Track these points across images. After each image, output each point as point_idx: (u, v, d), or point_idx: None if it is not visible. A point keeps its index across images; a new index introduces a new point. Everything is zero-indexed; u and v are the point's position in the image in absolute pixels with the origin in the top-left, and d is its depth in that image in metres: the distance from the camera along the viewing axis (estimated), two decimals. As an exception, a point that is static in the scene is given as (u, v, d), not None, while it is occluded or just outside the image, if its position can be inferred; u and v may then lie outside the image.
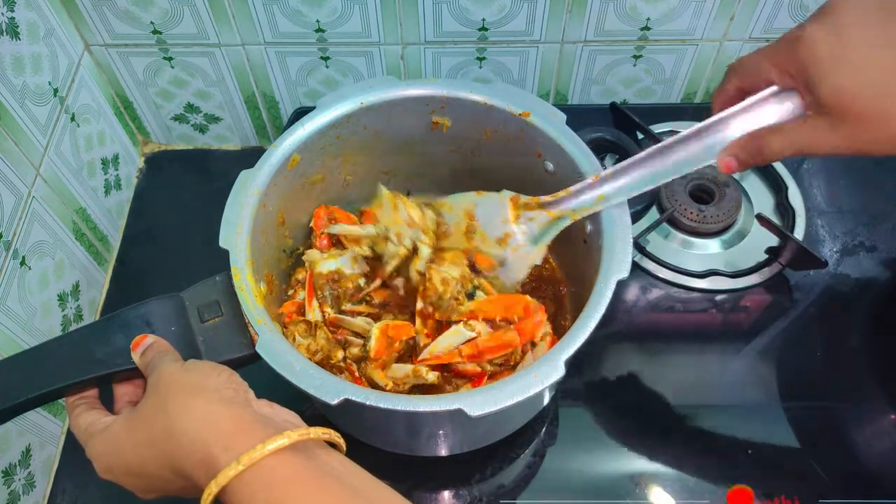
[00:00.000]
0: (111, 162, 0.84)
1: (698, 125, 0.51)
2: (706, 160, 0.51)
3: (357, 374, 0.58)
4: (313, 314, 0.62)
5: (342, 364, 0.58)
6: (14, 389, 0.47)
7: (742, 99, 0.50)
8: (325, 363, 0.58)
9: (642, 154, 0.53)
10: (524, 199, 0.59)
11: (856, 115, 0.44)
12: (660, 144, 0.52)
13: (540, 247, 0.59)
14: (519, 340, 0.57)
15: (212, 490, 0.36)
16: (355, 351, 0.60)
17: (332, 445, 0.41)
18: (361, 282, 0.65)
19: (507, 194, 0.59)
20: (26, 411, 0.49)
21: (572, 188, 0.56)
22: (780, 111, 0.49)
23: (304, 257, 0.66)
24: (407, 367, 0.57)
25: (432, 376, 0.57)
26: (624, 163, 0.54)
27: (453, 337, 0.58)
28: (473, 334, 0.57)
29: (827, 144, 0.46)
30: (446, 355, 0.57)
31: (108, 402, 0.49)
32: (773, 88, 0.48)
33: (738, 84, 0.51)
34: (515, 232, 0.59)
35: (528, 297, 0.60)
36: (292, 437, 0.37)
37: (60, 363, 0.48)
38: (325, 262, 0.64)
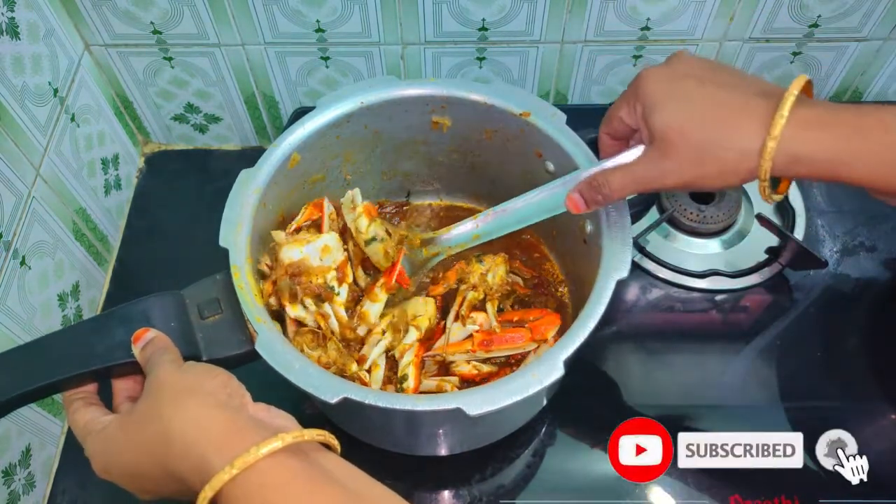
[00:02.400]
0: (111, 162, 0.84)
1: (564, 178, 0.56)
2: (561, 206, 0.55)
3: (371, 386, 0.58)
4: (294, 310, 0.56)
5: (355, 376, 0.58)
6: (13, 382, 0.47)
7: (621, 145, 0.55)
8: (339, 376, 0.57)
9: (515, 200, 0.58)
10: (408, 236, 0.63)
11: (682, 145, 0.46)
12: (529, 193, 0.58)
13: (413, 279, 0.63)
14: (530, 336, 0.58)
15: (206, 494, 0.36)
16: (377, 375, 0.59)
17: (328, 447, 0.41)
18: (330, 276, 0.56)
19: (400, 231, 0.64)
20: (25, 405, 0.49)
21: (452, 227, 0.62)
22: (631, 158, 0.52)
23: (274, 237, 0.58)
24: (430, 383, 0.58)
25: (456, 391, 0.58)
26: (499, 206, 0.59)
27: (458, 333, 0.60)
28: (476, 327, 0.60)
29: (661, 176, 0.48)
30: (459, 344, 0.59)
31: (107, 400, 0.49)
32: (637, 149, 0.52)
33: (606, 131, 0.55)
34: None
35: (547, 309, 0.64)
36: (286, 440, 0.37)
37: (60, 356, 0.48)
38: (288, 249, 0.56)
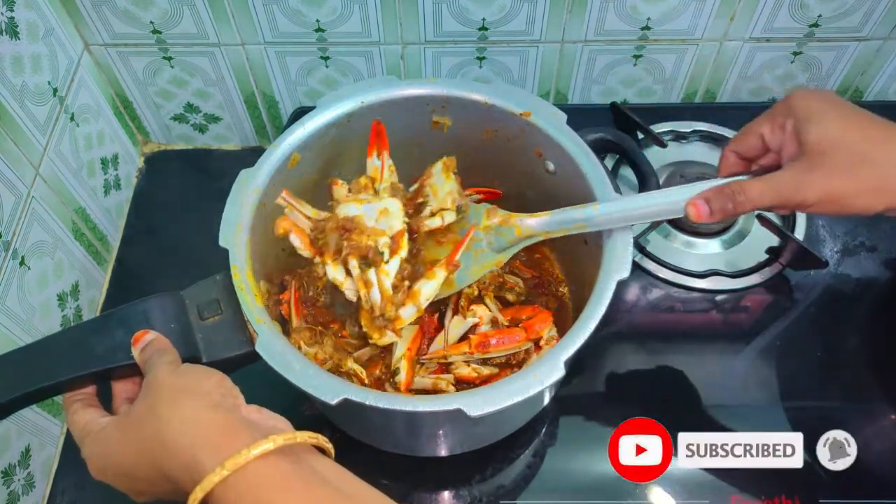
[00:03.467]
0: (111, 162, 0.84)
1: (682, 184, 0.54)
2: (680, 212, 0.53)
3: (367, 383, 0.58)
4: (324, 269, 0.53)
5: (351, 371, 0.58)
6: (13, 384, 0.47)
7: (744, 165, 0.54)
8: (335, 371, 0.57)
9: (626, 198, 0.56)
10: (500, 213, 0.60)
11: (837, 156, 0.47)
12: (642, 194, 0.56)
13: (500, 257, 0.60)
14: (525, 335, 0.58)
15: (197, 495, 0.36)
16: (375, 372, 0.59)
17: (322, 451, 0.41)
18: (382, 241, 0.52)
19: (484, 206, 0.61)
20: (25, 406, 0.48)
21: (553, 212, 0.57)
22: None
23: (333, 192, 0.57)
24: (426, 381, 0.58)
25: (452, 389, 0.57)
26: (608, 201, 0.56)
27: (459, 327, 0.59)
28: (476, 319, 0.59)
29: (806, 187, 0.48)
30: (456, 347, 0.58)
31: (106, 401, 0.49)
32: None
33: (735, 148, 0.55)
34: (481, 238, 0.60)
35: (538, 306, 0.63)
36: (277, 442, 0.37)
37: (60, 358, 0.48)
38: (345, 205, 0.54)
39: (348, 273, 0.53)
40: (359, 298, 0.53)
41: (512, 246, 0.59)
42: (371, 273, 0.52)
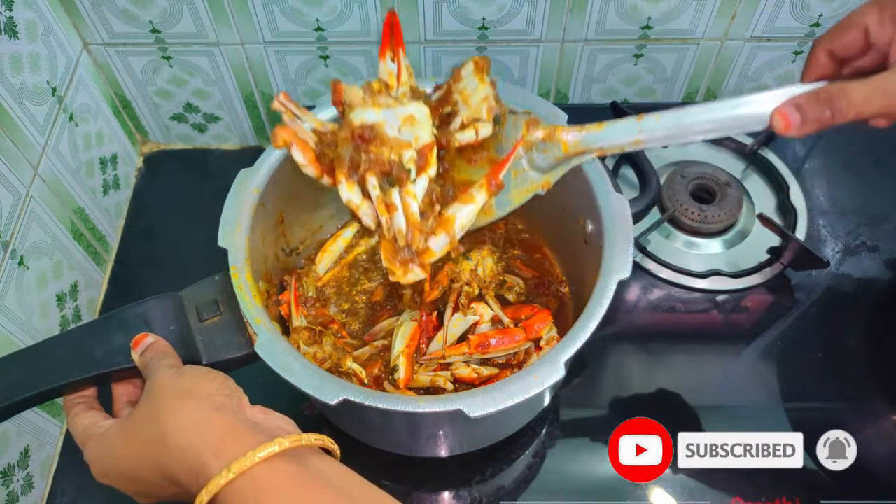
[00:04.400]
0: (110, 161, 0.84)
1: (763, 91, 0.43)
2: (761, 122, 0.43)
3: (366, 382, 0.58)
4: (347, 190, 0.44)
5: (350, 370, 0.58)
6: (12, 388, 0.47)
7: (836, 68, 0.45)
8: (334, 371, 0.57)
9: (693, 105, 0.45)
10: (544, 126, 0.49)
11: None
12: (711, 102, 0.45)
13: (546, 178, 0.50)
14: (525, 335, 0.58)
15: (203, 499, 0.36)
16: (374, 371, 0.59)
17: (327, 452, 0.41)
18: (408, 155, 0.43)
19: (524, 117, 0.51)
20: (25, 410, 0.48)
21: (605, 123, 0.47)
22: None
23: (345, 94, 0.47)
24: (423, 378, 0.58)
25: (450, 386, 0.58)
26: (671, 110, 0.45)
27: (459, 325, 0.59)
28: (476, 318, 0.59)
29: None
30: (455, 348, 0.58)
31: (107, 402, 0.49)
32: None
33: (828, 45, 0.45)
34: (521, 155, 0.50)
35: (537, 306, 0.63)
36: (283, 445, 0.37)
37: (59, 362, 0.48)
38: (362, 110, 0.44)
39: (365, 195, 0.45)
40: (378, 226, 0.46)
41: (559, 165, 0.49)
42: (395, 194, 0.44)
